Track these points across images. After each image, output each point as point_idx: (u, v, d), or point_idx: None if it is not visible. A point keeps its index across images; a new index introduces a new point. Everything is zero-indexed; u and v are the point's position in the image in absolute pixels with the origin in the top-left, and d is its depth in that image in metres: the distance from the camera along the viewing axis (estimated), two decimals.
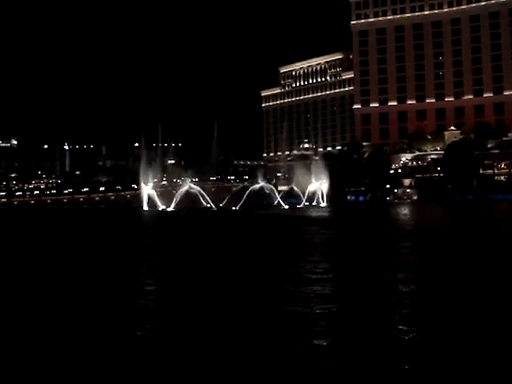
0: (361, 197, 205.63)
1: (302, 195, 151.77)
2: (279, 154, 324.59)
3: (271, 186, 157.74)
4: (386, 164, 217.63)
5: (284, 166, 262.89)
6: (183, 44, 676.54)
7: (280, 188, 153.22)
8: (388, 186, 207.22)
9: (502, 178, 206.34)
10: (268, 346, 15.09)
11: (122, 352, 15.03)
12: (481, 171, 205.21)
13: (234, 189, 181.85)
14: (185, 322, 18.21)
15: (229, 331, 16.66)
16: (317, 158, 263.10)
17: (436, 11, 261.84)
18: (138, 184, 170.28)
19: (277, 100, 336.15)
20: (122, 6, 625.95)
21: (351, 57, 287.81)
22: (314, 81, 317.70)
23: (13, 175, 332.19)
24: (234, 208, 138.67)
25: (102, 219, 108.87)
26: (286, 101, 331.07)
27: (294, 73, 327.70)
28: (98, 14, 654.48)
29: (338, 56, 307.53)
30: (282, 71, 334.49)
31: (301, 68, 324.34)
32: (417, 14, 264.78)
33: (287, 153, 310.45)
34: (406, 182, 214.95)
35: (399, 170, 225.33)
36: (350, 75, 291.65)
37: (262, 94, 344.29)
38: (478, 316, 17.99)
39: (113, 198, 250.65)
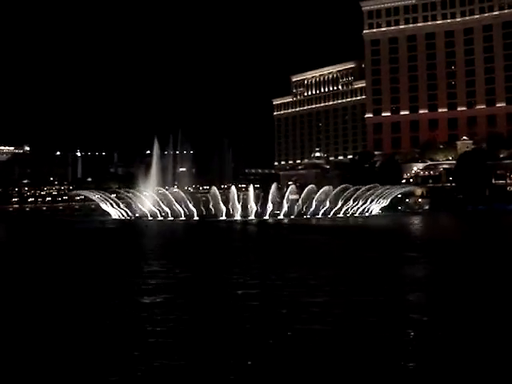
0: None
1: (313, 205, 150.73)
2: (290, 162, 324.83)
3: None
4: (398, 173, 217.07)
5: (295, 174, 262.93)
6: (195, 51, 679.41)
7: (291, 197, 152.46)
8: (399, 195, 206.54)
9: None
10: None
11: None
12: (493, 181, 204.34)
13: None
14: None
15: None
16: (328, 166, 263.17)
17: (448, 21, 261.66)
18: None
19: (288, 108, 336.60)
20: (138, 15, 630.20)
21: (363, 66, 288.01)
22: (326, 90, 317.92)
23: (25, 181, 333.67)
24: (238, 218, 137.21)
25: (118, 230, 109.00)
26: (297, 109, 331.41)
27: (305, 81, 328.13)
28: (118, 22, 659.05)
29: (350, 65, 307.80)
30: (293, 80, 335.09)
31: (313, 77, 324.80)
32: (429, 23, 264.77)
33: (298, 161, 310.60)
34: (418, 191, 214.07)
35: (411, 180, 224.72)
36: (361, 84, 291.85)
37: (274, 103, 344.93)
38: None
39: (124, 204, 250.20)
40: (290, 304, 22.31)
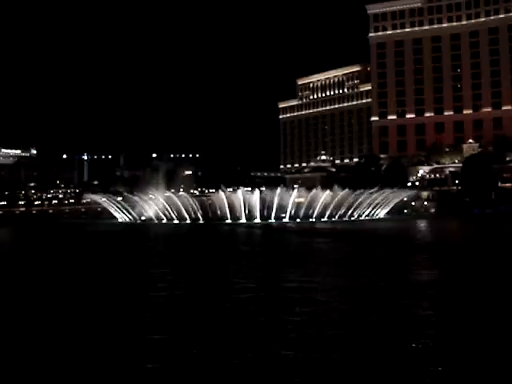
0: None
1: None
2: (296, 165, 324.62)
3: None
4: (404, 177, 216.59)
5: (301, 177, 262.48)
6: (201, 54, 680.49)
7: (297, 200, 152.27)
8: (405, 198, 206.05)
9: None
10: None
11: None
12: (499, 184, 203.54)
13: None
14: None
15: None
16: (334, 169, 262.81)
17: (454, 24, 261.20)
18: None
19: (294, 112, 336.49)
20: (145, 20, 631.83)
21: (369, 69, 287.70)
22: (332, 93, 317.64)
23: (32, 184, 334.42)
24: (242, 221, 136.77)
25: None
26: (303, 112, 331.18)
27: (311, 85, 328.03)
28: (127, 28, 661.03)
29: (356, 68, 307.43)
30: (299, 83, 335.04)
31: (318, 80, 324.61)
32: (435, 26, 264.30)
33: (304, 164, 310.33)
34: (424, 194, 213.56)
35: (417, 183, 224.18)
36: (367, 87, 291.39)
37: (280, 106, 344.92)
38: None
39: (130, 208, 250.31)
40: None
